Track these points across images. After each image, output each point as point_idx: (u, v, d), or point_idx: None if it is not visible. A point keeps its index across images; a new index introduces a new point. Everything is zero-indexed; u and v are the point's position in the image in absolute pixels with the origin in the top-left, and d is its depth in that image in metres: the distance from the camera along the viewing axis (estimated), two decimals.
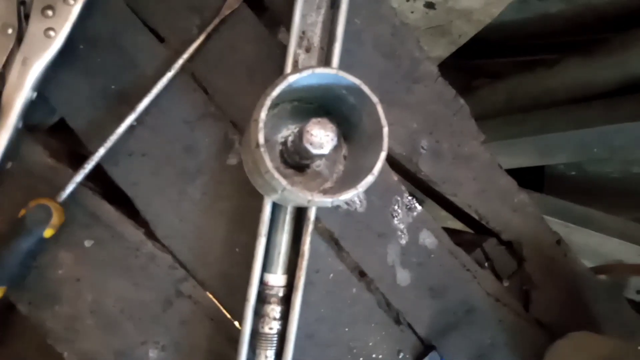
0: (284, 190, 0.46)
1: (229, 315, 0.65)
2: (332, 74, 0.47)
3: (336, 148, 0.60)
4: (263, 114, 0.45)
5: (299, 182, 0.58)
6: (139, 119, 0.64)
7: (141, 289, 0.64)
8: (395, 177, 0.71)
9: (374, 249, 0.70)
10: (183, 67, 0.65)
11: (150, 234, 0.65)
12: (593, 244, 1.14)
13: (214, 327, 0.65)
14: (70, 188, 0.60)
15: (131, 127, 0.64)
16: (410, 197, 0.71)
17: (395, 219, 0.71)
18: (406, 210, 0.71)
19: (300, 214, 0.63)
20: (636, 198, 1.26)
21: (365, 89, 0.47)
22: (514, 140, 1.20)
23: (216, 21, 0.66)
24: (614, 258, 1.13)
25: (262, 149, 0.45)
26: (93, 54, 0.64)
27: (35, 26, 0.60)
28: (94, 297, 0.63)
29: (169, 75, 0.64)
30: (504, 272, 0.75)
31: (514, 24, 1.31)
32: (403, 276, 0.70)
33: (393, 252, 0.70)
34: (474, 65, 1.45)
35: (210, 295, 0.65)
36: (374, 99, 0.48)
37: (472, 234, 0.81)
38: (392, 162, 0.72)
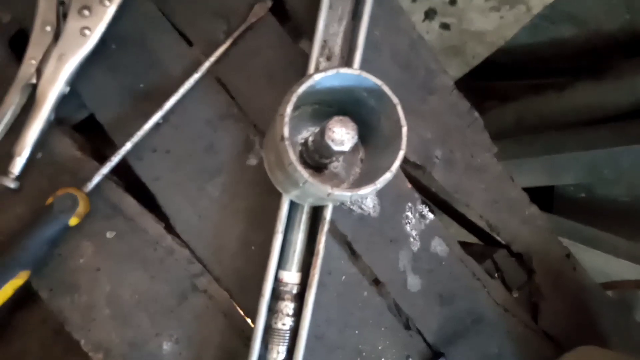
0: (305, 183, 0.48)
1: (242, 312, 0.66)
2: (355, 74, 0.49)
3: (354, 151, 0.63)
4: (289, 109, 0.47)
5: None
6: (164, 117, 0.66)
7: (158, 281, 0.65)
8: (408, 185, 0.73)
9: (385, 254, 0.71)
10: (208, 70, 0.68)
11: (170, 229, 0.67)
12: (600, 265, 1.14)
13: (226, 322, 0.66)
14: (96, 179, 0.62)
15: (156, 125, 0.66)
16: (422, 205, 0.73)
17: (408, 225, 0.72)
18: (419, 217, 0.72)
19: (316, 214, 0.64)
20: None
21: (387, 89, 0.50)
22: (523, 160, 1.22)
23: (242, 27, 0.69)
24: (621, 279, 1.13)
25: (286, 142, 0.47)
26: (123, 54, 0.67)
27: (72, 24, 0.63)
28: (112, 287, 0.64)
29: (196, 76, 0.67)
30: (514, 283, 0.76)
31: (525, 47, 1.34)
32: (414, 282, 0.71)
33: (404, 257, 0.72)
34: (486, 87, 1.48)
35: (225, 292, 0.67)
36: (395, 99, 0.50)
37: (482, 245, 0.82)
38: (406, 170, 0.74)
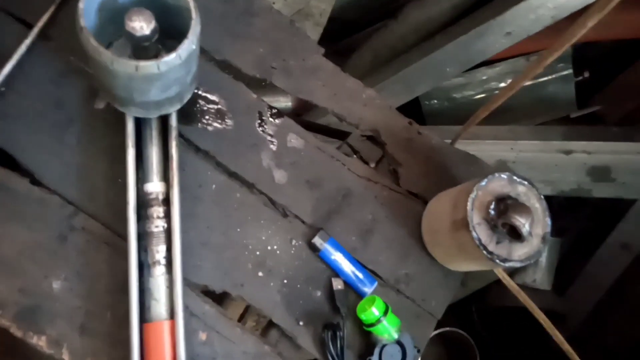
0: (114, 62, 0.54)
1: (121, 239, 0.70)
2: None
3: None
4: (80, 3, 0.54)
5: None
6: (7, 85, 0.72)
7: (35, 230, 0.69)
8: (254, 95, 0.81)
9: (249, 158, 0.78)
10: (43, 35, 0.74)
11: (36, 183, 0.71)
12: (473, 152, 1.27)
13: (110, 251, 0.70)
14: None
15: (1, 94, 0.71)
16: (271, 109, 0.81)
17: (262, 129, 0.80)
18: (270, 120, 0.80)
19: (165, 127, 0.71)
20: (502, 113, 1.41)
21: None
22: (382, 85, 1.35)
23: None
24: (493, 157, 1.27)
25: (84, 31, 0.54)
26: None
27: None
28: None
29: (27, 42, 0.73)
30: (371, 159, 0.84)
31: None
32: (280, 176, 0.79)
33: (266, 157, 0.79)
34: (346, 45, 1.62)
35: (102, 225, 0.71)
36: None
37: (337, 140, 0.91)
38: (249, 83, 0.82)
